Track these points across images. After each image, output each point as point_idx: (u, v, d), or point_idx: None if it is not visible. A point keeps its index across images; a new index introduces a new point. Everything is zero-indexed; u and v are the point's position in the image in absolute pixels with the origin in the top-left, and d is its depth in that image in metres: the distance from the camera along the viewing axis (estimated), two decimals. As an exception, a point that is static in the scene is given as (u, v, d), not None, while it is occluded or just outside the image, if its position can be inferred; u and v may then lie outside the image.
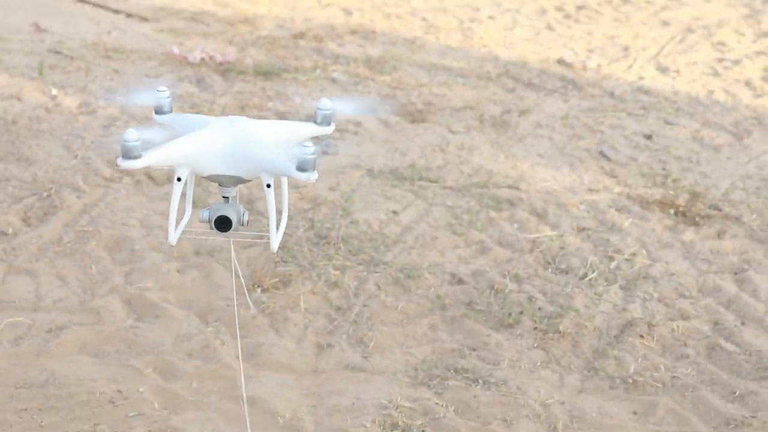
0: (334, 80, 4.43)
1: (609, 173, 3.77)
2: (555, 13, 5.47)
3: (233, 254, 2.05)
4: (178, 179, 1.80)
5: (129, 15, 4.98)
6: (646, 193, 3.63)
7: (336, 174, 3.59)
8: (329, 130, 1.97)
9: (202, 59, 4.47)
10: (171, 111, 1.97)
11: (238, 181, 1.85)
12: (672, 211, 3.51)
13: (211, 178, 1.83)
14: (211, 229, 1.83)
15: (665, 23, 5.45)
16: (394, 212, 3.36)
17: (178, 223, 1.84)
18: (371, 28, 5.09)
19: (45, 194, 3.18)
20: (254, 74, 4.39)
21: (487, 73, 4.62)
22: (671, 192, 3.65)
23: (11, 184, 3.24)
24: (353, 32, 5.03)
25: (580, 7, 5.59)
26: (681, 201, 3.56)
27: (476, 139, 3.95)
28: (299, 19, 5.18)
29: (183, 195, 1.82)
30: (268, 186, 1.85)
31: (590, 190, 3.62)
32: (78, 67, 4.29)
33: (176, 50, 4.53)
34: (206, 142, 1.84)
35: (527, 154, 3.87)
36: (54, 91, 3.99)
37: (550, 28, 5.27)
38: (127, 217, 3.13)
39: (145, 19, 4.96)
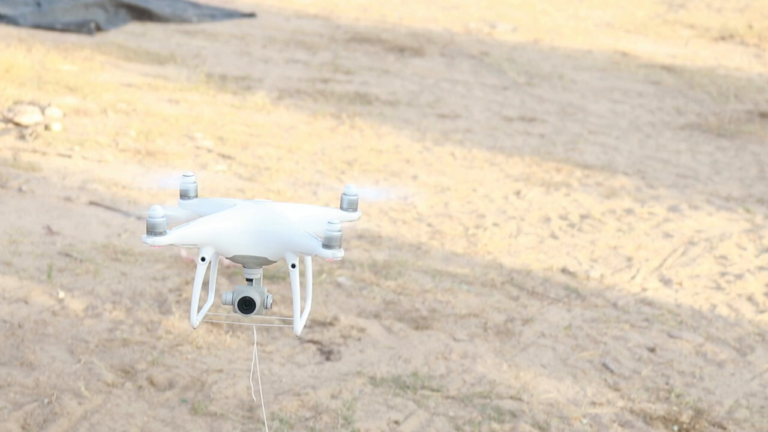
0: (339, 285, 4.47)
1: (612, 386, 3.76)
2: (559, 222, 5.55)
3: (255, 343, 2.02)
4: (202, 259, 1.77)
5: (139, 218, 5.06)
6: (649, 408, 3.61)
7: (338, 381, 3.59)
8: (355, 216, 1.90)
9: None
10: (196, 196, 1.92)
11: (262, 262, 1.80)
12: (676, 428, 3.49)
13: (235, 259, 1.79)
14: (234, 312, 1.80)
15: (668, 235, 5.53)
16: (396, 422, 3.35)
17: (200, 307, 1.80)
18: (377, 233, 5.16)
19: (46, 400, 3.18)
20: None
21: (492, 280, 4.66)
22: (675, 408, 3.63)
23: (13, 389, 3.25)
24: (360, 237, 5.10)
25: (583, 217, 5.68)
26: (685, 418, 3.54)
27: (480, 347, 3.96)
28: (307, 224, 5.25)
29: (206, 282, 1.77)
30: (293, 266, 1.80)
31: (593, 404, 3.60)
32: (87, 270, 4.34)
33: (184, 253, 4.59)
34: (232, 222, 1.80)
35: (530, 364, 3.87)
36: (61, 294, 4.03)
37: (554, 236, 5.34)
38: (128, 425, 3.12)
39: (155, 221, 5.05)
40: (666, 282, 4.84)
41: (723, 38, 11.70)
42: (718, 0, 13.97)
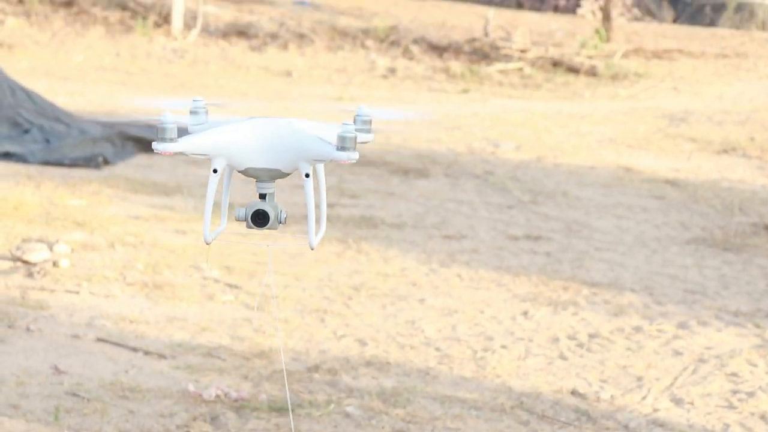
0: (348, 415, 4.45)
1: None
2: (568, 342, 5.54)
3: (271, 261, 1.94)
4: (214, 171, 1.71)
5: (147, 353, 5.07)
6: None
7: None
8: (368, 137, 1.81)
9: (217, 396, 4.51)
10: (207, 120, 1.84)
11: (276, 174, 1.75)
12: None
13: (248, 172, 1.73)
14: (248, 227, 1.73)
15: (677, 353, 5.50)
16: None
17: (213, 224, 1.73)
18: (385, 359, 5.15)
19: None
20: (268, 410, 4.42)
21: (501, 405, 4.64)
22: None
23: None
24: (368, 364, 5.09)
25: (592, 336, 5.66)
26: None
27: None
28: (314, 351, 5.26)
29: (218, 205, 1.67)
30: (307, 176, 1.73)
31: None
32: (94, 409, 4.33)
33: (191, 388, 4.58)
34: (244, 133, 1.74)
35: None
36: (68, 434, 4.02)
37: (562, 357, 5.33)
38: None
39: (162, 356, 5.05)
40: (677, 402, 4.80)
41: (725, 151, 11.80)
42: (718, 113, 14.13)
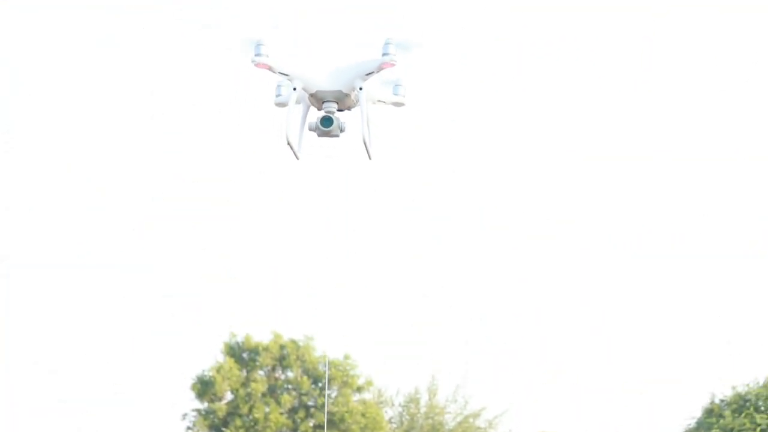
0: None
1: None
2: None
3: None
4: (294, 89, 2.35)
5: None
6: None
7: None
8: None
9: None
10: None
11: (339, 95, 2.38)
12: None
13: (317, 95, 2.38)
14: (318, 130, 2.31)
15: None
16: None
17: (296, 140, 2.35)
18: None
19: None
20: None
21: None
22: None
23: None
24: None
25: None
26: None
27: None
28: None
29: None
30: (360, 89, 2.43)
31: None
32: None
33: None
34: (315, 64, 2.38)
35: None
36: None
37: None
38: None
39: None
40: None
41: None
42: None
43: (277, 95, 2.64)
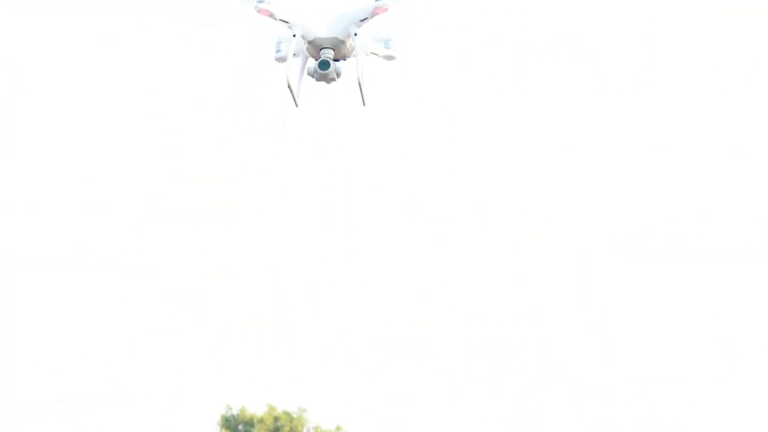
0: None
1: None
2: None
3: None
4: (293, 35, 2.56)
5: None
6: None
7: None
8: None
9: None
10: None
11: (335, 42, 2.60)
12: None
13: (315, 42, 2.59)
14: (315, 74, 2.54)
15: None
16: None
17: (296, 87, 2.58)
18: None
19: None
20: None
21: None
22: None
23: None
24: None
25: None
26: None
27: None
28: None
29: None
30: (356, 34, 2.68)
31: None
32: None
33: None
34: (313, 13, 2.56)
35: None
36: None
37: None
38: None
39: None
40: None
41: None
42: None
43: (277, 51, 2.82)
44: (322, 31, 2.39)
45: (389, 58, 2.94)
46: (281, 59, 2.93)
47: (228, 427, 33.20)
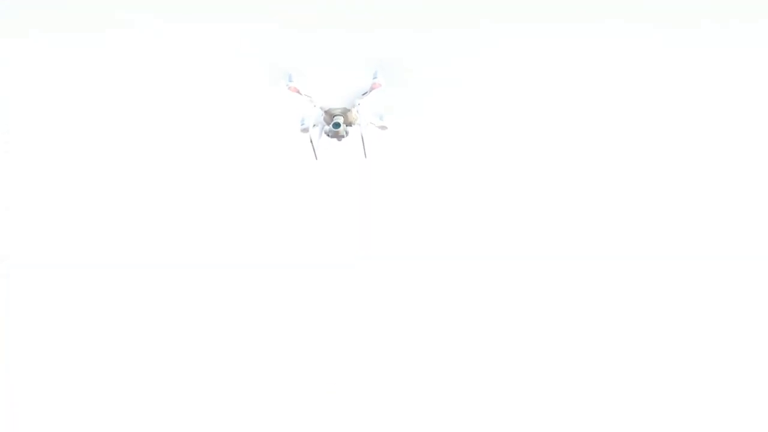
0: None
1: None
2: None
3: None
4: (314, 106, 3.33)
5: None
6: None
7: None
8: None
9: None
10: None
11: (343, 110, 3.43)
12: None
13: (330, 111, 3.38)
14: (329, 133, 3.76)
15: None
16: None
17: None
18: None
19: None
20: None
21: None
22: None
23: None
24: None
25: None
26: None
27: None
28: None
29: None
30: (359, 104, 3.59)
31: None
32: None
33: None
34: (328, 89, 3.85)
35: None
36: None
37: None
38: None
39: None
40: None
41: None
42: None
43: (302, 124, 4.17)
44: (334, 102, 3.61)
45: (382, 128, 4.26)
46: (305, 130, 4.12)
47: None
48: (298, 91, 3.94)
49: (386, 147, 4.33)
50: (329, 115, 4.04)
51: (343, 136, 4.05)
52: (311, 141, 4.07)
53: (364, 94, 4.02)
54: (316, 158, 4.14)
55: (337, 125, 3.89)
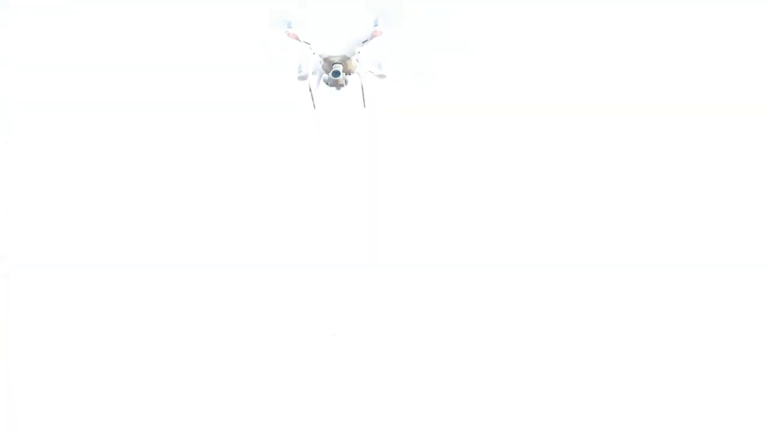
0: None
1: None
2: None
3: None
4: (313, 53, 3.25)
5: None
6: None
7: None
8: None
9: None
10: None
11: (343, 58, 3.35)
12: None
13: (329, 59, 3.30)
14: (329, 81, 3.21)
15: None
16: None
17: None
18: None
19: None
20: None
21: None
22: None
23: None
24: None
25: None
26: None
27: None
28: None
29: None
30: (359, 52, 3.51)
31: None
32: None
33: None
34: (328, 37, 3.68)
35: None
36: None
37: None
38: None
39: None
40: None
41: None
42: None
43: (299, 71, 4.07)
44: (334, 50, 3.53)
45: (381, 76, 4.14)
46: (303, 78, 4.01)
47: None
48: (297, 38, 3.84)
49: (385, 96, 4.26)
50: (328, 62, 3.93)
51: (342, 85, 3.96)
52: (310, 89, 3.97)
53: (364, 42, 3.94)
54: (314, 107, 4.02)
55: (336, 73, 3.79)
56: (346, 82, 3.83)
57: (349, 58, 3.84)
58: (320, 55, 3.81)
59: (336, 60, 3.73)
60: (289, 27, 3.82)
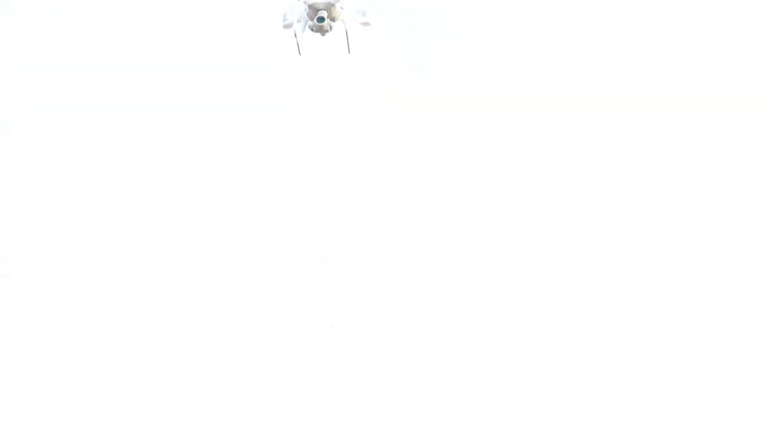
0: None
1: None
2: None
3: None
4: (298, 0, 3.35)
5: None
6: None
7: None
8: None
9: None
10: None
11: (327, 5, 3.56)
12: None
13: (314, 6, 3.54)
14: (313, 26, 3.09)
15: None
16: None
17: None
18: None
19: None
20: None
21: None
22: None
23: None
24: None
25: None
26: None
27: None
28: None
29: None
30: None
31: None
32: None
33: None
34: None
35: None
36: None
37: None
38: None
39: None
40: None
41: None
42: None
43: (284, 20, 4.14)
44: None
45: (365, 24, 4.24)
46: (288, 26, 4.09)
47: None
48: None
49: (370, 43, 4.37)
50: (313, 9, 3.99)
51: (327, 31, 4.01)
52: (295, 35, 4.03)
53: None
54: (300, 53, 4.11)
55: (321, 19, 3.84)
56: (330, 27, 3.89)
57: (333, 5, 3.89)
58: (305, 2, 3.87)
59: (320, 6, 3.81)
60: None
